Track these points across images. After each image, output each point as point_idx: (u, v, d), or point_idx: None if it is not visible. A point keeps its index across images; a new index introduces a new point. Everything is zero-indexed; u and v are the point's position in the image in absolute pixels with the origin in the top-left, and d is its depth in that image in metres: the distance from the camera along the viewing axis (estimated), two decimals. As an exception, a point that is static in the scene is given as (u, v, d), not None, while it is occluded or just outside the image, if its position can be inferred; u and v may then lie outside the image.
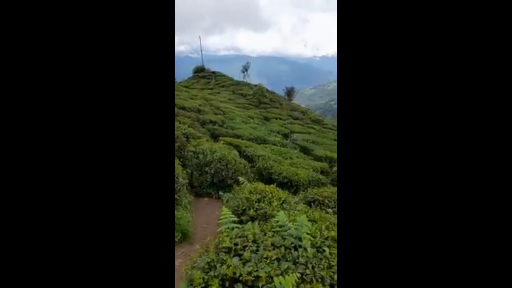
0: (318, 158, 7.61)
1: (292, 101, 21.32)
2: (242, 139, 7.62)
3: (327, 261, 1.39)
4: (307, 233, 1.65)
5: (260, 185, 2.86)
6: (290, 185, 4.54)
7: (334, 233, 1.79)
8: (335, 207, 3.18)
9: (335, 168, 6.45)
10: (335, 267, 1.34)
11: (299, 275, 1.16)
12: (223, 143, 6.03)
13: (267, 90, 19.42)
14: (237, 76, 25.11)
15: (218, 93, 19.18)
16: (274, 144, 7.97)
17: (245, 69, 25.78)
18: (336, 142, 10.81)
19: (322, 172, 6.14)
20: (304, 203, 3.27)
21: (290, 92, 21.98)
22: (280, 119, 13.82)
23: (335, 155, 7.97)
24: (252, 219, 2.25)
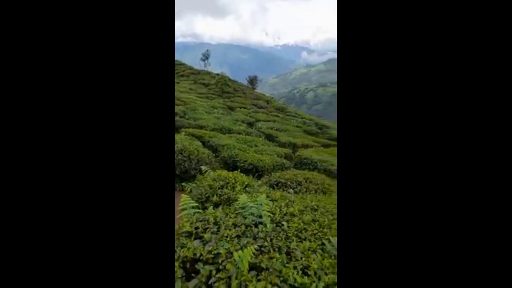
0: (282, 144, 7.91)
1: (256, 90, 21.40)
2: (206, 129, 7.46)
3: (285, 233, 1.49)
4: (268, 211, 1.74)
5: (224, 172, 2.87)
6: (256, 171, 4.66)
7: (292, 209, 1.92)
8: (296, 187, 3.39)
9: (297, 153, 6.80)
10: (292, 237, 1.46)
11: (257, 247, 1.23)
12: (185, 134, 5.82)
13: (230, 79, 19.11)
14: (197, 64, 24.03)
15: (178, 82, 18.19)
16: (239, 133, 8.00)
17: (205, 57, 24.81)
18: (298, 129, 11.34)
19: (286, 157, 6.43)
20: (268, 186, 3.40)
21: (253, 81, 22.00)
22: (245, 108, 13.82)
23: (298, 141, 8.38)
24: (216, 205, 2.27)
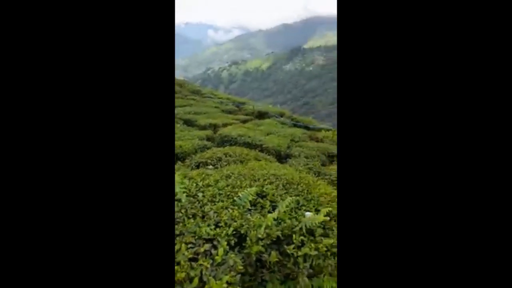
0: (203, 127, 7.85)
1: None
2: (110, 126, 6.45)
3: (200, 203, 1.64)
4: (183, 188, 1.82)
5: (135, 166, 2.69)
6: (176, 158, 4.54)
7: (208, 181, 2.08)
8: (216, 163, 3.57)
9: (219, 132, 6.96)
10: (207, 203, 1.62)
11: (170, 219, 1.33)
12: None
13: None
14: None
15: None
16: (153, 124, 7.36)
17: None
18: (217, 109, 11.40)
19: (208, 139, 6.48)
20: (190, 169, 3.44)
21: (159, 65, 19.84)
22: (155, 96, 12.54)
23: (217, 121, 8.50)
24: (131, 199, 2.16)
